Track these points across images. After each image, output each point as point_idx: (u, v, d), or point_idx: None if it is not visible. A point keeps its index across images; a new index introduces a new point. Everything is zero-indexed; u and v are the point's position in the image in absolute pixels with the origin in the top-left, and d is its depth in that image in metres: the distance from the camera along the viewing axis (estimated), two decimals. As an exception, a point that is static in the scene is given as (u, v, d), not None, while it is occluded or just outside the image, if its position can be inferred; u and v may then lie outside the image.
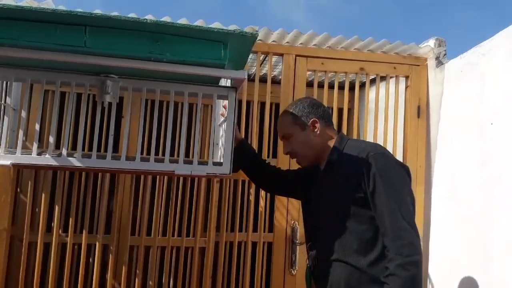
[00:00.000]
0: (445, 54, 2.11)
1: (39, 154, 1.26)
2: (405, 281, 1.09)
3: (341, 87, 2.08)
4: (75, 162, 1.26)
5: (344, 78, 2.08)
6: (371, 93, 2.22)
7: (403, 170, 1.23)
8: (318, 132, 1.30)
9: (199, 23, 1.75)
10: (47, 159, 1.23)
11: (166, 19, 1.71)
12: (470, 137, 1.82)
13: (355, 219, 1.21)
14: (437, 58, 2.10)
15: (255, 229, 2.05)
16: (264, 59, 2.15)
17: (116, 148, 1.44)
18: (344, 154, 1.27)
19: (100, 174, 1.89)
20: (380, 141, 2.02)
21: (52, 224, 1.80)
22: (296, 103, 1.37)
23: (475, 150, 1.79)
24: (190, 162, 1.37)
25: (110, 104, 1.31)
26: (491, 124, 1.73)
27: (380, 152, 1.23)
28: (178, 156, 1.36)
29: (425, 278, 1.99)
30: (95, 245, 1.85)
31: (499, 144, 1.67)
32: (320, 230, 1.30)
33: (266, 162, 1.64)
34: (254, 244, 2.04)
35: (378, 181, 1.16)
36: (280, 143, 1.97)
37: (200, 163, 1.39)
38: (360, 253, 1.19)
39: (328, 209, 1.28)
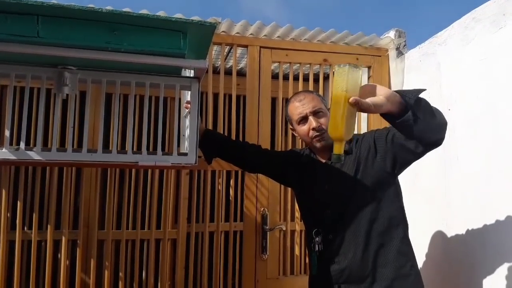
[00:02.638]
0: (405, 45, 2.18)
1: (-5, 148, 1.23)
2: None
3: (306, 79, 2.13)
4: (33, 155, 1.22)
5: (309, 70, 2.12)
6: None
7: None
8: None
9: (160, 14, 1.74)
10: (4, 153, 1.20)
11: (126, 10, 1.70)
12: (430, 123, 1.89)
13: (384, 195, 1.31)
14: (397, 48, 2.17)
15: (226, 219, 2.08)
16: (229, 51, 2.16)
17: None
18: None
19: (64, 168, 1.86)
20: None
21: (17, 222, 1.76)
22: (310, 91, 1.53)
23: (435, 135, 1.87)
24: (155, 154, 1.36)
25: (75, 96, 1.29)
26: (449, 110, 1.81)
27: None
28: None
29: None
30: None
31: (455, 128, 1.75)
32: (345, 214, 1.32)
33: (244, 142, 1.65)
34: (226, 234, 2.07)
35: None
36: (251, 133, 2.00)
37: (165, 154, 1.38)
38: (390, 230, 1.29)
39: (354, 193, 1.33)
